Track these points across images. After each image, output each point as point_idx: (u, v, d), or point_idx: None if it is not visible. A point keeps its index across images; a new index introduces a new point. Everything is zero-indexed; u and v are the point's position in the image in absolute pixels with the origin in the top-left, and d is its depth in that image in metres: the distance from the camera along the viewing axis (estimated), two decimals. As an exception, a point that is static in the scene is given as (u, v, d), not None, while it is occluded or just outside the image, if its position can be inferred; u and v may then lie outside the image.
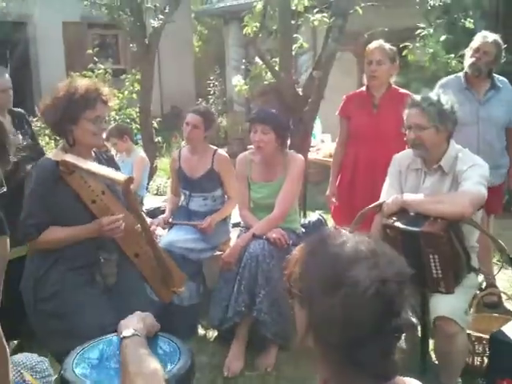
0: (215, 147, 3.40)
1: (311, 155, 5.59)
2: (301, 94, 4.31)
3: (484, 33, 3.38)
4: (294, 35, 4.55)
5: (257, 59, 4.80)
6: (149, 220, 3.21)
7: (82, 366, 1.49)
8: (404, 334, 1.05)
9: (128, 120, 7.16)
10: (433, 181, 2.52)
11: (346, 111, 3.46)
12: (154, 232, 3.21)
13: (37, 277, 2.22)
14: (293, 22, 4.42)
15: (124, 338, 1.38)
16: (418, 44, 4.91)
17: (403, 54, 4.67)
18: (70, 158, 2.21)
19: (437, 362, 2.56)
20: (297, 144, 3.68)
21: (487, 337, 2.48)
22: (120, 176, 2.16)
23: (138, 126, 6.43)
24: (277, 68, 4.37)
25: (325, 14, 4.41)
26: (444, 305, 2.29)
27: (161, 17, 5.60)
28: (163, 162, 7.19)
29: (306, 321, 1.02)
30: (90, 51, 7.71)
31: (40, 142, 4.23)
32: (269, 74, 4.66)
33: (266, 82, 4.88)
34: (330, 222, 3.75)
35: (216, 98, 10.57)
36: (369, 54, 3.32)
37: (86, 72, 7.14)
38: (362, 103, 3.39)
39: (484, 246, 3.04)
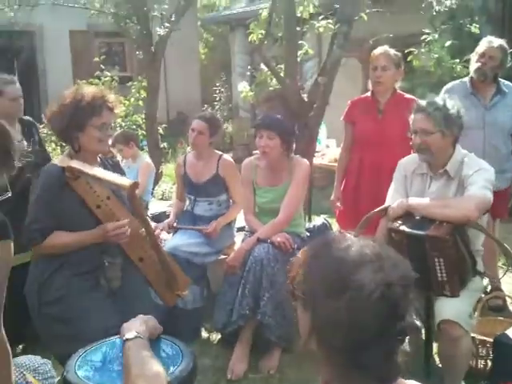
0: (220, 152, 3.41)
1: (316, 160, 5.59)
2: (306, 99, 4.32)
3: (489, 38, 3.38)
4: (299, 42, 4.57)
5: (262, 66, 4.82)
6: (153, 224, 3.23)
7: (85, 369, 1.49)
8: (408, 337, 1.04)
9: (134, 126, 7.19)
10: (438, 185, 2.52)
11: (351, 116, 3.46)
12: (159, 236, 3.23)
13: (41, 281, 2.23)
14: (298, 28, 4.44)
15: (127, 340, 1.39)
16: (423, 49, 4.91)
17: (408, 59, 4.67)
18: (75, 163, 2.23)
19: (440, 366, 2.56)
20: (302, 149, 3.69)
21: (491, 340, 2.48)
22: (125, 181, 2.18)
23: (144, 133, 6.47)
24: (282, 74, 4.39)
25: (330, 21, 4.42)
26: (449, 308, 2.28)
27: (167, 25, 5.64)
28: (169, 168, 7.22)
29: (309, 323, 1.02)
30: (97, 59, 7.76)
31: (46, 148, 4.27)
32: (274, 80, 4.68)
33: (271, 89, 4.90)
34: (335, 227, 3.75)
35: (222, 104, 10.61)
36: (374, 59, 3.32)
37: (93, 80, 7.20)
38: (367, 108, 3.39)
39: (489, 249, 3.03)
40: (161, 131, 6.52)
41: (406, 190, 2.61)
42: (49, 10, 6.53)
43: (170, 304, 2.52)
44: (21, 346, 2.85)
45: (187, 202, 3.45)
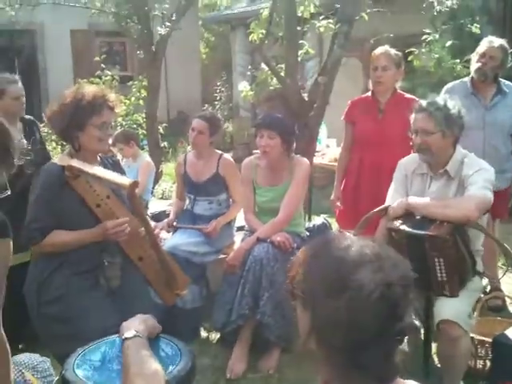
0: (221, 152, 3.42)
1: (316, 160, 5.59)
2: (306, 99, 4.32)
3: (490, 38, 3.38)
4: (300, 41, 4.56)
5: (263, 65, 4.82)
6: (153, 224, 3.23)
7: (84, 368, 1.49)
8: (407, 337, 1.04)
9: (134, 125, 7.20)
10: (438, 185, 2.52)
11: (351, 116, 3.46)
12: (159, 235, 3.23)
13: (40, 280, 2.23)
14: (299, 28, 4.44)
15: (126, 339, 1.39)
16: (423, 49, 4.91)
17: (409, 59, 4.67)
18: (75, 162, 2.23)
19: (439, 366, 2.56)
20: (302, 149, 3.69)
21: (490, 340, 2.48)
22: (125, 180, 2.18)
23: (145, 132, 6.47)
24: (282, 74, 4.39)
25: (330, 21, 4.42)
26: (448, 308, 2.28)
27: (168, 24, 5.64)
28: (169, 167, 7.22)
29: (308, 323, 1.02)
30: (98, 58, 7.77)
31: (47, 147, 4.27)
32: (274, 79, 4.68)
33: (271, 88, 4.91)
34: (335, 226, 3.75)
35: (222, 103, 10.61)
36: (374, 59, 3.32)
37: (94, 79, 7.20)
38: (368, 108, 3.39)
39: (489, 249, 3.03)
40: (161, 130, 6.53)
41: (406, 190, 2.61)
42: (50, 9, 6.54)
43: (170, 303, 2.53)
44: (20, 346, 2.85)
45: (187, 201, 3.46)
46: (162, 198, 6.45)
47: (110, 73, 7.63)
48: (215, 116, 3.52)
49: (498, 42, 3.29)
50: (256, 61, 8.08)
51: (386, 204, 2.60)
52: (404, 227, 2.33)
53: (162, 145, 6.43)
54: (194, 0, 7.92)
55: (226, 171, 3.31)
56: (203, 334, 3.24)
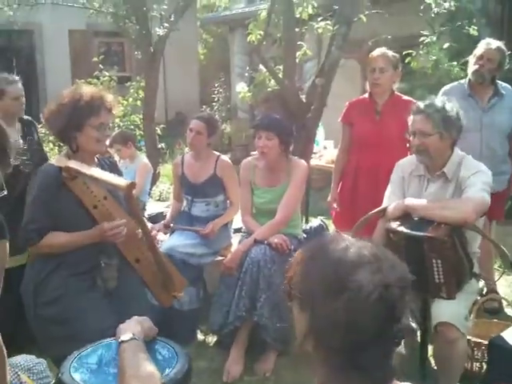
0: (218, 153, 3.41)
1: (314, 161, 5.59)
2: (304, 100, 4.33)
3: (488, 40, 3.39)
4: (298, 43, 4.57)
5: (261, 66, 4.83)
6: (150, 225, 3.23)
7: (81, 371, 1.49)
8: (403, 340, 1.04)
9: (132, 126, 7.19)
10: (436, 187, 2.52)
11: (349, 118, 3.46)
12: (156, 237, 3.22)
13: (37, 281, 2.23)
14: (297, 29, 4.44)
15: (122, 342, 1.39)
16: (421, 51, 4.92)
17: (406, 61, 4.68)
18: (73, 163, 2.23)
19: (436, 368, 2.56)
20: (299, 150, 3.70)
21: (486, 342, 2.48)
22: (122, 181, 2.17)
23: (142, 133, 6.46)
24: (280, 75, 4.39)
25: (329, 22, 4.43)
26: (446, 310, 2.28)
27: (166, 25, 5.64)
28: (166, 169, 7.20)
29: (306, 324, 1.01)
30: (96, 59, 7.77)
31: (45, 148, 4.26)
32: (272, 81, 4.68)
33: (269, 89, 4.91)
34: (332, 228, 3.75)
35: (220, 104, 10.61)
36: (372, 61, 3.32)
37: (92, 79, 7.20)
38: (365, 110, 3.39)
39: (485, 251, 3.04)
40: (159, 131, 6.52)
41: (404, 192, 2.61)
42: (48, 10, 6.54)
43: (166, 305, 2.52)
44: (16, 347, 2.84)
45: (184, 203, 3.45)
46: (159, 200, 6.44)
47: (107, 73, 7.62)
48: (213, 117, 3.52)
49: (495, 44, 3.30)
50: (254, 62, 8.07)
51: (383, 206, 2.60)
52: (402, 228, 2.33)
53: (160, 146, 6.43)
54: (193, 1, 7.91)
55: (224, 173, 3.31)
56: (200, 336, 3.24)
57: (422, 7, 4.89)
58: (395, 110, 3.26)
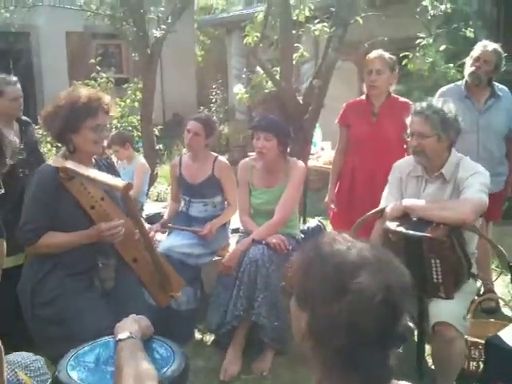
0: (216, 154, 3.42)
1: (311, 162, 5.61)
2: (301, 102, 4.34)
3: (484, 42, 3.40)
4: (295, 45, 4.58)
5: (258, 68, 4.83)
6: (147, 226, 3.23)
7: (78, 370, 1.49)
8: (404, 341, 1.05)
9: (130, 128, 7.19)
10: (433, 188, 2.53)
11: (346, 119, 3.47)
12: (154, 237, 3.23)
13: (35, 281, 2.23)
14: (294, 31, 4.45)
15: (120, 340, 1.39)
16: (418, 54, 4.93)
17: (403, 63, 4.69)
18: (70, 164, 2.23)
19: (433, 367, 2.57)
20: (296, 151, 3.70)
21: (483, 342, 2.48)
22: (119, 182, 2.17)
23: (140, 134, 6.46)
24: (278, 77, 4.40)
25: (325, 24, 4.44)
26: (444, 310, 2.29)
27: (163, 27, 5.64)
28: (164, 169, 7.20)
29: (305, 324, 1.01)
30: (93, 61, 7.77)
31: (42, 149, 4.26)
32: (270, 82, 4.69)
33: (266, 91, 4.92)
34: (329, 229, 3.76)
35: (218, 106, 10.61)
36: (368, 63, 3.33)
37: (89, 81, 7.19)
38: (362, 112, 3.41)
39: (483, 251, 3.05)
40: (156, 133, 6.52)
41: (401, 193, 2.62)
42: (45, 12, 6.55)
43: (163, 305, 2.52)
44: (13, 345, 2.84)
45: (182, 203, 3.46)
46: (157, 200, 6.44)
47: (105, 75, 7.62)
48: (210, 118, 3.53)
49: (492, 46, 3.31)
50: (251, 64, 8.09)
51: (381, 206, 2.61)
52: (401, 229, 2.34)
53: (157, 147, 6.42)
54: (190, 3, 7.91)
55: (222, 173, 3.31)
56: (197, 335, 3.24)
57: (418, 9, 4.90)
58: (392, 111, 3.27)
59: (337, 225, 3.52)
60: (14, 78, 3.11)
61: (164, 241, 3.31)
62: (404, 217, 2.43)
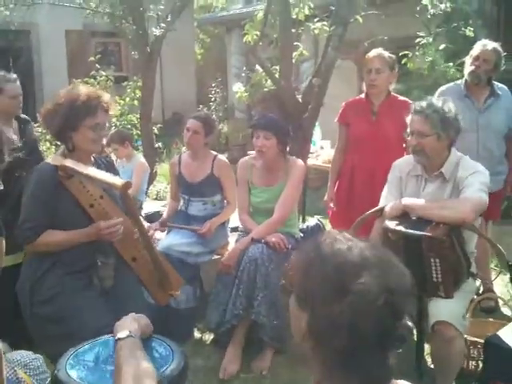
0: (215, 153, 3.42)
1: (311, 161, 5.61)
2: (301, 101, 4.33)
3: (484, 41, 3.40)
4: (295, 43, 4.57)
5: (257, 67, 4.83)
6: (147, 224, 3.23)
7: (78, 368, 1.49)
8: (405, 342, 1.04)
9: (129, 126, 7.19)
10: (433, 187, 2.53)
11: (345, 118, 3.47)
12: (153, 236, 3.23)
13: (33, 280, 2.23)
14: (293, 30, 4.45)
15: (119, 339, 1.39)
16: (417, 53, 4.93)
17: (403, 62, 4.69)
18: (69, 162, 2.23)
19: (432, 366, 2.57)
20: (296, 150, 3.70)
21: (482, 341, 2.48)
22: (117, 180, 2.17)
23: (139, 132, 6.46)
24: (277, 76, 4.40)
25: (325, 23, 4.43)
26: (444, 309, 2.29)
27: (163, 25, 5.63)
28: (163, 168, 7.20)
29: (305, 324, 1.01)
30: (93, 59, 7.76)
31: (41, 147, 4.26)
32: (269, 81, 4.69)
33: (266, 89, 4.91)
34: (328, 227, 3.76)
35: (217, 104, 10.61)
36: (368, 62, 3.33)
37: (88, 79, 7.19)
38: (361, 110, 3.40)
39: (482, 251, 3.05)
40: (156, 131, 6.52)
41: (401, 192, 2.62)
42: (45, 10, 6.53)
43: (162, 304, 2.52)
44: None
45: (181, 202, 3.46)
46: (156, 199, 6.45)
47: (104, 73, 7.61)
48: (210, 117, 3.54)
49: (491, 45, 3.31)
50: (251, 62, 8.08)
51: (380, 205, 2.61)
52: (401, 228, 2.34)
53: (157, 145, 6.42)
54: (189, 1, 7.90)
55: (221, 172, 3.31)
56: (197, 334, 3.24)
57: (418, 8, 4.90)
58: (391, 110, 3.27)
59: (336, 224, 3.52)
60: (14, 76, 3.10)
61: (163, 239, 3.31)
62: (403, 216, 2.43)
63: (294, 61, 4.55)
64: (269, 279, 2.79)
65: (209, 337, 3.19)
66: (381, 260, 1.00)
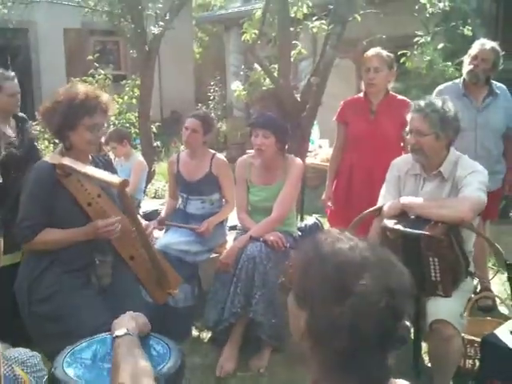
0: (214, 151, 3.42)
1: (309, 160, 5.61)
2: (299, 99, 4.34)
3: (482, 40, 3.40)
4: (293, 42, 4.57)
5: (256, 65, 4.83)
6: (145, 223, 3.23)
7: (75, 366, 1.50)
8: (405, 343, 1.04)
9: (127, 125, 7.18)
10: (432, 186, 2.53)
11: (344, 117, 3.47)
12: (151, 235, 3.23)
13: (31, 278, 2.22)
14: (292, 29, 4.45)
15: (116, 337, 1.39)
16: (416, 52, 4.94)
17: (401, 61, 4.69)
18: (66, 161, 2.23)
19: (429, 365, 2.57)
20: (294, 149, 3.71)
21: (479, 340, 2.49)
22: (115, 179, 2.17)
23: (137, 131, 6.46)
24: (276, 74, 4.40)
25: (324, 22, 4.44)
26: (442, 308, 2.29)
27: (161, 24, 5.63)
28: (162, 166, 7.20)
29: (304, 323, 1.00)
30: (91, 57, 7.75)
31: (39, 145, 4.25)
32: (267, 79, 4.69)
33: (264, 88, 4.92)
34: (327, 226, 3.76)
35: (216, 103, 10.61)
36: (366, 61, 3.33)
37: (87, 78, 7.18)
38: (360, 109, 3.40)
39: (480, 249, 3.06)
40: (154, 130, 6.52)
41: (399, 191, 2.62)
42: (43, 8, 6.52)
43: (160, 302, 2.52)
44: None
45: (180, 201, 3.45)
46: (154, 197, 6.44)
47: (103, 72, 7.60)
48: (209, 115, 3.54)
49: (489, 44, 3.31)
50: (249, 61, 8.08)
51: (378, 204, 2.61)
52: (400, 227, 2.34)
53: (155, 144, 6.42)
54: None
55: (219, 171, 3.31)
56: (194, 332, 3.24)
57: (416, 7, 4.90)
58: (390, 109, 3.27)
59: (334, 222, 3.52)
60: (12, 74, 3.10)
61: (161, 238, 3.31)
62: (402, 215, 2.43)
63: (292, 59, 4.56)
64: (267, 277, 2.79)
65: (206, 335, 3.20)
66: (381, 260, 1.00)
